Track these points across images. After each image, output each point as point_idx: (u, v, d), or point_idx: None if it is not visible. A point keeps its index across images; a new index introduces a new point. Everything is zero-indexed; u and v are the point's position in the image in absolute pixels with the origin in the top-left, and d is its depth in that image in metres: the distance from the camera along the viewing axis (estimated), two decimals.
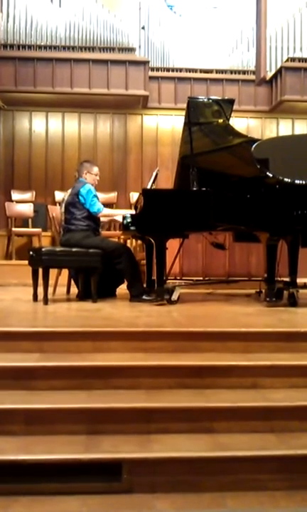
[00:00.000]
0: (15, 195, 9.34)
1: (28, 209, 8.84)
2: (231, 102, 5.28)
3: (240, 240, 5.98)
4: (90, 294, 4.84)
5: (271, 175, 4.80)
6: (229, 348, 3.18)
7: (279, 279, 4.95)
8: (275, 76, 9.72)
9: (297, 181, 4.73)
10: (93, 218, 5.08)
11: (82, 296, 5.12)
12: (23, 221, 8.94)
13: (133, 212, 5.34)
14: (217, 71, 10.11)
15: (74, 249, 4.83)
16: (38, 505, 2.20)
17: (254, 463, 2.40)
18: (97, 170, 5.34)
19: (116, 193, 9.61)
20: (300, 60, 9.67)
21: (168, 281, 5.39)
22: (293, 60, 9.65)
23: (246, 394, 2.83)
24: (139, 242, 6.84)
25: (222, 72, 10.10)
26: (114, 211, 5.61)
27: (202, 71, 10.05)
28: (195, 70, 10.04)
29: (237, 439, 2.54)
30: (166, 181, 8.30)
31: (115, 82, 9.31)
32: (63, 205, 5.16)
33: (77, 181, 5.21)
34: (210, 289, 6.41)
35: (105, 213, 5.17)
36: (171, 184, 5.45)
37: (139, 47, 10.01)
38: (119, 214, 5.36)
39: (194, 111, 5.01)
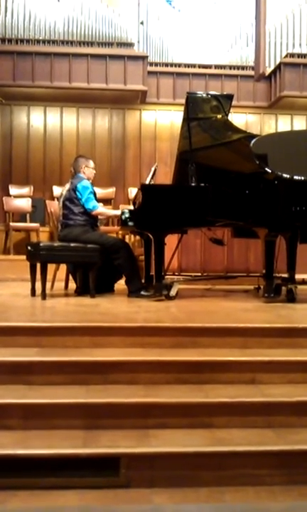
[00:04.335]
0: (14, 190, 9.31)
1: (26, 204, 8.81)
2: (230, 97, 5.27)
3: (239, 236, 5.97)
4: (88, 289, 4.84)
5: (269, 171, 4.80)
6: (228, 344, 3.19)
7: (278, 275, 4.96)
8: (274, 72, 9.70)
9: (296, 177, 4.72)
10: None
11: (80, 292, 5.12)
12: (21, 216, 8.92)
13: (131, 207, 5.33)
14: (216, 66, 10.09)
15: (72, 245, 4.82)
16: (36, 500, 2.20)
17: (252, 458, 2.40)
18: (93, 163, 5.35)
19: (114, 189, 9.59)
20: (300, 55, 9.66)
21: (167, 276, 5.40)
22: (292, 55, 9.64)
23: (244, 389, 2.83)
24: (138, 237, 6.84)
25: (221, 68, 10.08)
26: (108, 211, 5.57)
27: (200, 66, 10.02)
28: (193, 66, 10.01)
29: (235, 434, 2.55)
30: (165, 177, 8.27)
31: (113, 77, 9.28)
32: (61, 201, 5.15)
33: (75, 177, 5.20)
34: (209, 284, 6.41)
35: (99, 211, 5.14)
36: (170, 180, 5.44)
37: (138, 42, 9.98)
38: (113, 214, 5.36)
39: (193, 106, 5.00)
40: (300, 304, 4.55)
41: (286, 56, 9.62)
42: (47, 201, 6.10)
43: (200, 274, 6.78)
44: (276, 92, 9.63)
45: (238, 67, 10.09)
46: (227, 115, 5.23)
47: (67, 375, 2.86)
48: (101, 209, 5.21)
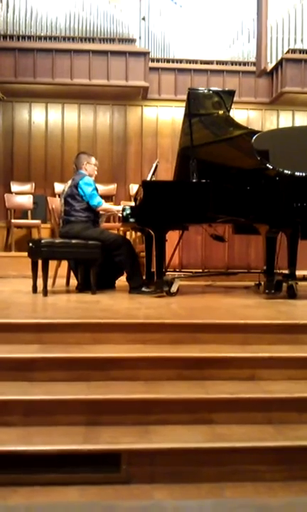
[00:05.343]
0: (15, 186, 9.32)
1: (27, 201, 8.82)
2: (231, 93, 5.26)
3: (240, 232, 5.97)
4: (89, 286, 4.85)
5: (271, 167, 4.79)
6: (228, 340, 3.19)
7: (278, 271, 4.96)
8: (275, 68, 9.67)
9: (297, 173, 4.72)
10: (92, 210, 5.07)
11: (81, 288, 5.13)
12: (22, 213, 8.93)
13: (132, 204, 5.33)
14: (218, 62, 10.07)
15: (73, 241, 4.83)
16: (37, 496, 2.21)
17: (252, 454, 2.41)
18: (95, 160, 5.35)
19: (115, 185, 9.59)
20: (301, 51, 9.61)
21: (168, 273, 5.40)
22: (293, 51, 9.59)
23: (244, 385, 2.84)
24: (139, 234, 6.84)
25: (223, 64, 10.06)
26: (112, 207, 5.57)
27: (202, 62, 10.00)
28: (195, 61, 10.00)
29: (235, 430, 2.55)
30: (166, 173, 8.28)
31: (115, 73, 9.26)
32: (63, 197, 5.16)
33: (77, 173, 5.20)
34: (209, 281, 6.41)
35: (104, 207, 5.16)
36: (171, 176, 5.43)
37: (139, 38, 9.97)
38: (117, 209, 5.37)
39: (194, 102, 4.99)
40: (301, 300, 4.55)
41: (288, 52, 9.58)
42: (48, 198, 6.11)
43: (200, 270, 6.77)
44: (278, 88, 9.60)
45: (240, 63, 10.08)
46: (228, 111, 5.21)
47: (69, 372, 2.86)
48: (105, 205, 5.23)
